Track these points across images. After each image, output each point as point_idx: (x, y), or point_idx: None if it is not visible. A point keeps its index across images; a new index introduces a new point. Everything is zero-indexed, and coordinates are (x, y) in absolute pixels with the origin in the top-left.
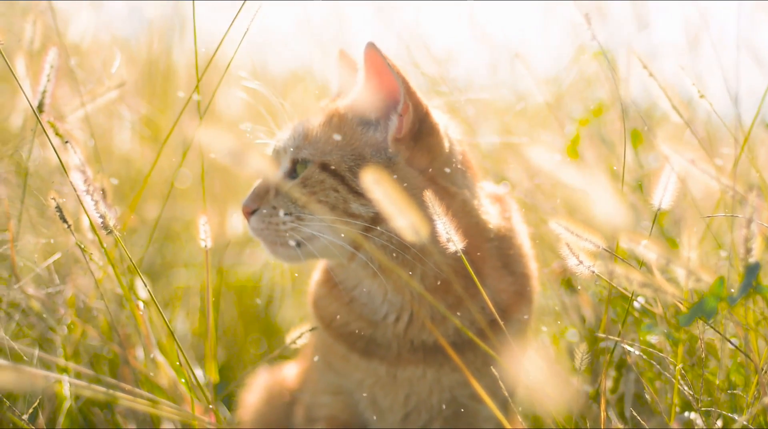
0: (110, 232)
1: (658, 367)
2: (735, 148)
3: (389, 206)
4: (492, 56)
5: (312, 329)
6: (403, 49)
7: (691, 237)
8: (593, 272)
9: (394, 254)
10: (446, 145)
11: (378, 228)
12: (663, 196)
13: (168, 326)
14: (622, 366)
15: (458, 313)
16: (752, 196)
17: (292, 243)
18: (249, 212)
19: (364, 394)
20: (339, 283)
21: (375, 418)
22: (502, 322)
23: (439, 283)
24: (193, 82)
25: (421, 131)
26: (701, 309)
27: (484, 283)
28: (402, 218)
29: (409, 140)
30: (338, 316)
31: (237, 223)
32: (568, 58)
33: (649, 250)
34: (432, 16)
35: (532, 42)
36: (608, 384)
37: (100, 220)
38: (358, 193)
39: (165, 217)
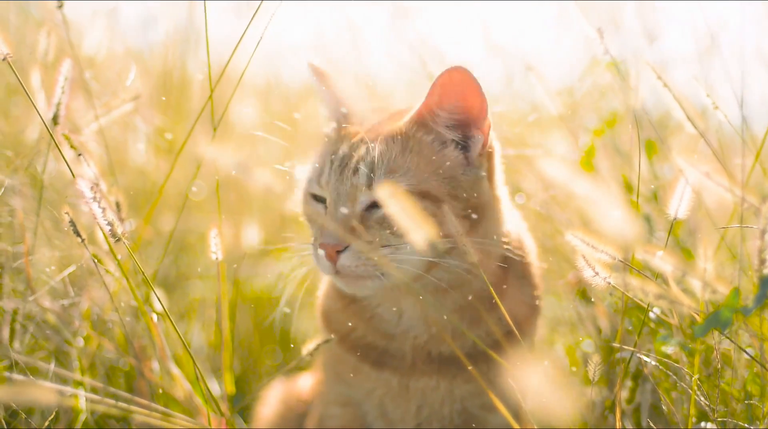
0: (118, 240)
1: (674, 377)
2: (743, 158)
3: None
4: (506, 68)
5: (327, 342)
6: (417, 60)
7: (706, 248)
8: (609, 283)
9: (456, 273)
10: (498, 158)
11: (455, 248)
12: (678, 206)
13: (183, 339)
14: (638, 376)
15: (477, 326)
16: (765, 207)
17: (380, 274)
18: (338, 251)
19: (374, 405)
20: (361, 299)
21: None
22: (518, 334)
23: (470, 298)
24: (207, 93)
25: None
26: (716, 320)
27: (505, 295)
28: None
29: (486, 157)
30: (353, 330)
31: (252, 235)
32: (582, 70)
33: (664, 262)
34: (445, 28)
35: (545, 54)
36: (624, 394)
37: (108, 227)
38: (457, 216)
39: (180, 229)
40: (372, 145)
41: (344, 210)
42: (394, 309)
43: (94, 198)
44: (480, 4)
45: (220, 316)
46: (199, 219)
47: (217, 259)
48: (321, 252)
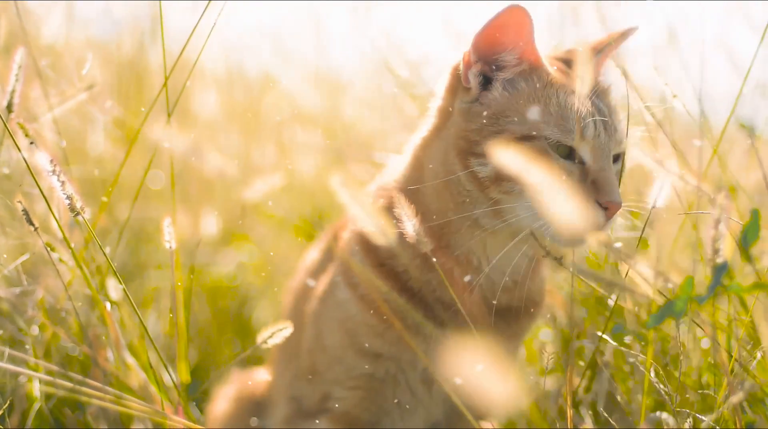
0: (77, 215)
1: (629, 367)
2: (701, 148)
3: None
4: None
5: (283, 329)
6: (377, 53)
7: (659, 238)
8: (561, 265)
9: None
10: None
11: None
12: (657, 197)
13: (143, 326)
14: (596, 366)
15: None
16: (720, 196)
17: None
18: (617, 210)
19: (413, 376)
20: (453, 249)
21: (405, 412)
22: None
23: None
24: (169, 83)
25: None
26: (670, 309)
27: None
28: None
29: None
30: (426, 284)
31: (210, 223)
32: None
33: (617, 251)
34: (407, 20)
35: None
36: (583, 383)
37: (67, 201)
38: None
39: (138, 218)
40: (609, 100)
41: (611, 166)
42: (486, 255)
43: (53, 171)
44: None
45: (174, 305)
46: (159, 208)
47: (170, 248)
48: (600, 211)
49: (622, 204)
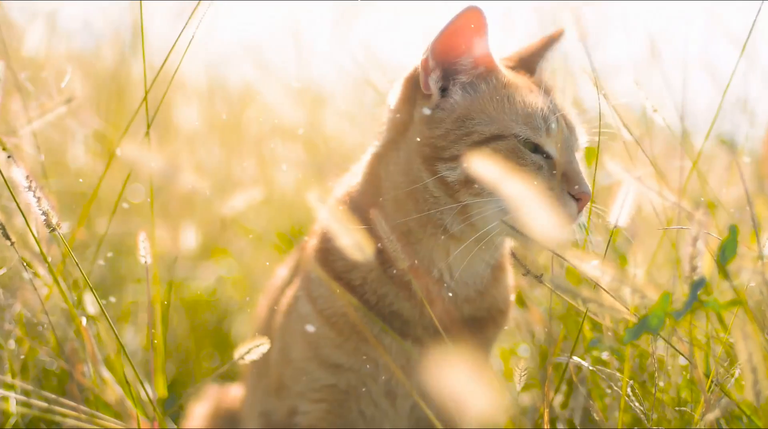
0: (53, 230)
1: (608, 382)
2: (682, 163)
3: None
4: None
5: (260, 345)
6: (357, 67)
7: (636, 254)
8: (540, 282)
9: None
10: None
11: None
12: (620, 213)
13: (119, 341)
14: (573, 381)
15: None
16: (699, 213)
17: None
18: (586, 203)
19: (378, 387)
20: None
21: (371, 426)
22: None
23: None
24: (151, 95)
25: None
26: (645, 325)
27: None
28: None
29: None
30: (383, 297)
31: (189, 238)
32: None
33: (594, 267)
34: (389, 33)
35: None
36: (559, 399)
37: (43, 217)
38: None
39: (118, 232)
40: (557, 99)
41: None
42: (449, 266)
43: (30, 187)
44: (423, 7)
45: (150, 319)
46: (139, 222)
47: (146, 263)
48: (572, 202)
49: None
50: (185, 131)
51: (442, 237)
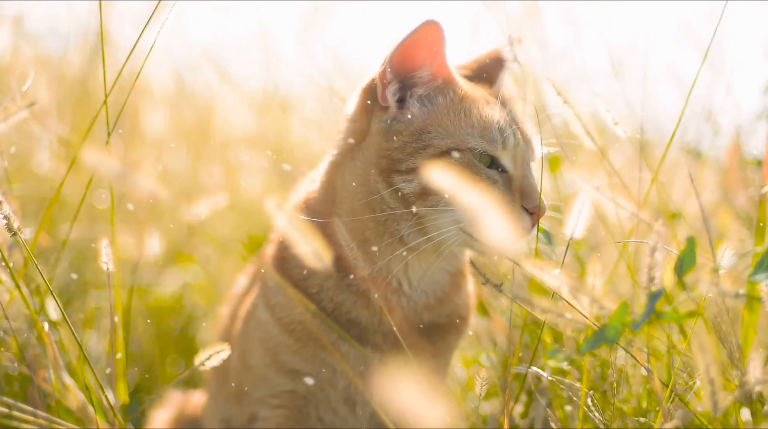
0: (14, 235)
1: (568, 392)
2: (640, 174)
3: None
4: None
5: (220, 351)
6: (322, 73)
7: (595, 264)
8: (500, 292)
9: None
10: None
11: None
12: (576, 224)
13: (80, 346)
14: (533, 391)
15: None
16: (657, 224)
17: None
18: (544, 211)
19: (337, 394)
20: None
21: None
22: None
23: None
24: (117, 101)
25: None
26: (603, 336)
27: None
28: None
29: None
30: (340, 305)
31: (154, 244)
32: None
33: (553, 277)
34: (356, 39)
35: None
36: (519, 409)
37: (4, 221)
38: None
39: (83, 238)
40: (514, 110)
41: (533, 176)
42: (407, 274)
43: None
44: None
45: (112, 325)
46: (105, 228)
47: (107, 269)
48: (526, 216)
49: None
50: (152, 136)
51: (399, 247)
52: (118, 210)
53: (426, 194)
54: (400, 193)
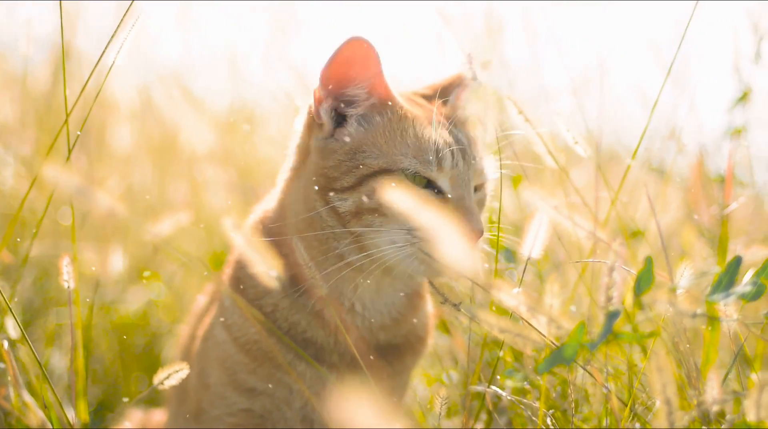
0: None
1: (528, 412)
2: (597, 192)
3: None
4: None
5: (179, 370)
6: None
7: (553, 285)
8: (459, 311)
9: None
10: None
11: None
12: (533, 245)
13: (39, 364)
14: (495, 410)
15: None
16: (615, 243)
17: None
18: (479, 237)
19: (294, 412)
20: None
21: None
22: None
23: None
24: (81, 117)
25: None
26: (560, 355)
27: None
28: None
29: None
30: (295, 325)
31: (117, 261)
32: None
33: (510, 297)
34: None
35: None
36: (480, 427)
37: None
38: None
39: (48, 255)
40: (467, 131)
41: (469, 197)
42: (358, 294)
43: None
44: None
45: (73, 342)
46: (69, 245)
47: (68, 287)
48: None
49: (484, 231)
50: (118, 153)
51: (343, 266)
52: (82, 227)
53: (360, 213)
54: (336, 212)
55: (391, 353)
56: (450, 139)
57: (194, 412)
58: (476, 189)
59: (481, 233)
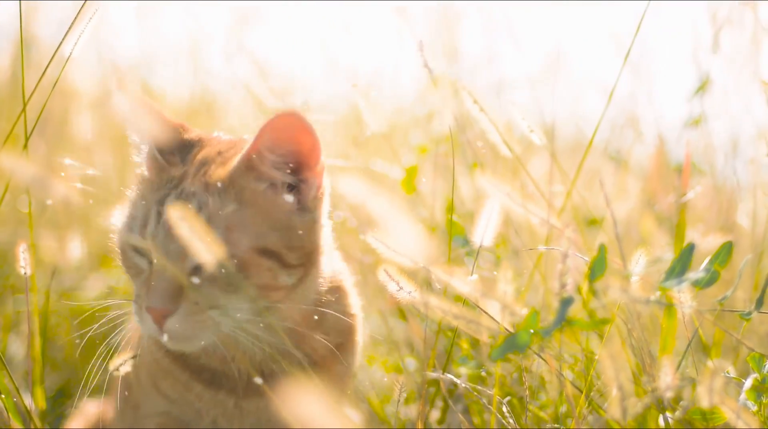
0: None
1: (483, 399)
2: (551, 179)
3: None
4: (345, 87)
5: (134, 357)
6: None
7: (507, 271)
8: (413, 298)
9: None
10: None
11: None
12: (484, 233)
13: None
14: (451, 397)
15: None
16: (568, 230)
17: (211, 332)
18: (165, 315)
19: (206, 425)
20: None
21: None
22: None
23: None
24: (46, 106)
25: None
26: (513, 342)
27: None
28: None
29: (319, 199)
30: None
31: (75, 248)
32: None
33: (463, 283)
34: (281, 46)
35: (385, 72)
36: (436, 414)
37: None
38: (290, 266)
39: (8, 242)
40: (205, 197)
41: (174, 271)
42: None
43: None
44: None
45: (30, 329)
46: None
47: (25, 274)
48: (147, 315)
49: (172, 309)
50: (78, 141)
51: None
52: (42, 214)
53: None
54: None
55: (295, 376)
56: (156, 203)
57: (133, 404)
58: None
59: (154, 310)
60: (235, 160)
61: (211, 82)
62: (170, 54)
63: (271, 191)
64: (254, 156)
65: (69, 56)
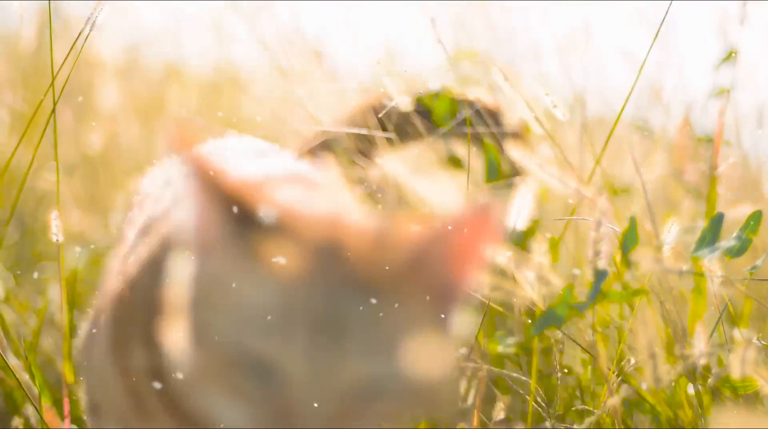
0: None
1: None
2: (582, 149)
3: None
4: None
5: None
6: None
7: (541, 243)
8: None
9: None
10: None
11: None
12: (517, 217)
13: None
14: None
15: None
16: (601, 199)
17: None
18: None
19: None
20: None
21: None
22: None
23: None
24: (71, 78)
25: None
26: (552, 316)
27: None
28: None
29: None
30: None
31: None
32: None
33: (500, 254)
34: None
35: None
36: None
37: None
38: None
39: (28, 214)
40: None
41: None
42: None
43: None
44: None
45: (61, 300)
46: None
47: (57, 241)
48: None
49: None
50: (105, 111)
51: None
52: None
53: None
54: None
55: None
56: None
57: None
58: None
59: None
60: None
61: (236, 51)
62: (194, 23)
63: None
64: None
65: (92, 24)
